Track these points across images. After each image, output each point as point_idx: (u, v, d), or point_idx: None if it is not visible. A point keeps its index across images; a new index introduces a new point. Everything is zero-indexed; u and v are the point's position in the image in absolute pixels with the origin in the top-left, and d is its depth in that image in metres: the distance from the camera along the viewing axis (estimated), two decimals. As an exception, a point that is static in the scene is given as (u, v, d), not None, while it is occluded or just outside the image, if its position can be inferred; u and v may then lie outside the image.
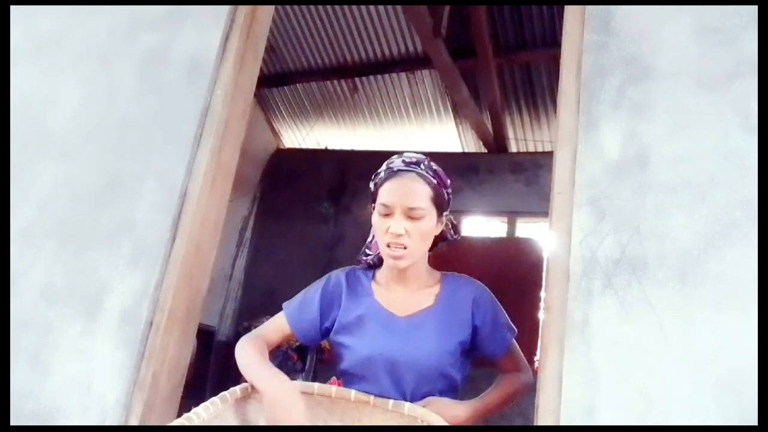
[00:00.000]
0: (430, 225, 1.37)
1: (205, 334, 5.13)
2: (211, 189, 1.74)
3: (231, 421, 1.26)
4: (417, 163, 1.39)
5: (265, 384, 1.27)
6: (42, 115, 2.01)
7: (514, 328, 1.47)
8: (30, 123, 2.01)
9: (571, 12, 1.56)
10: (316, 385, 1.33)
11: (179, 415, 1.63)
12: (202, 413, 1.18)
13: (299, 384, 1.33)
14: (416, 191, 1.35)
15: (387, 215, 1.36)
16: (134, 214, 1.74)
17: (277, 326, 1.47)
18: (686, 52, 1.40)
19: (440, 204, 1.39)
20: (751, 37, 1.36)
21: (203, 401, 1.21)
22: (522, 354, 1.49)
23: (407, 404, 1.28)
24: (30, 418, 1.60)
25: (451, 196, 1.45)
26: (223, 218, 1.81)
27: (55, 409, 1.60)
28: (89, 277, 1.71)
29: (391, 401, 1.29)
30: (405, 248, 1.34)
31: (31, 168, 1.93)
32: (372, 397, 1.31)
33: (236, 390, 1.29)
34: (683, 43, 1.41)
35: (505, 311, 1.47)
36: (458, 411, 1.32)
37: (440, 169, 1.43)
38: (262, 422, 1.30)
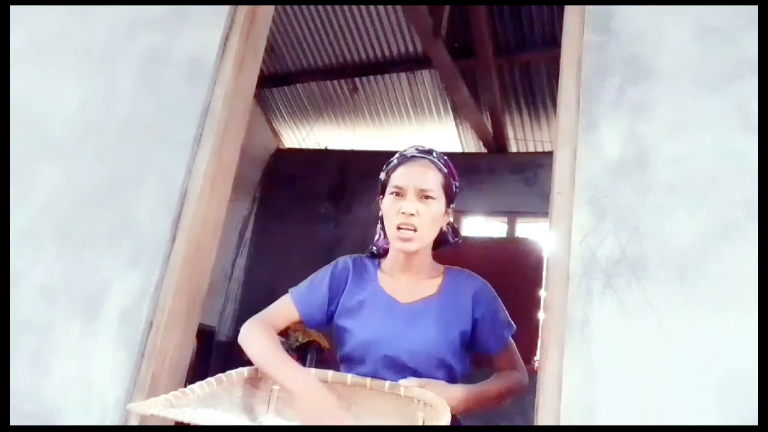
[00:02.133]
0: (440, 211, 1.42)
1: (205, 334, 5.13)
2: (211, 189, 1.74)
3: (226, 402, 1.27)
4: (429, 152, 1.46)
5: (291, 380, 1.27)
6: (42, 116, 2.01)
7: (514, 325, 1.48)
8: (30, 123, 2.01)
9: (571, 12, 1.56)
10: (313, 371, 1.35)
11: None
12: (197, 390, 1.20)
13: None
14: (428, 175, 1.41)
15: (399, 196, 1.40)
16: (134, 214, 1.74)
17: (283, 310, 1.47)
18: (686, 52, 1.40)
19: (449, 193, 1.44)
20: (751, 37, 1.36)
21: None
22: (518, 354, 1.49)
23: (402, 386, 1.29)
24: (30, 418, 1.60)
25: (458, 190, 1.49)
26: (223, 218, 1.81)
27: (55, 409, 1.60)
28: (89, 277, 1.71)
29: (388, 383, 1.30)
30: (415, 230, 1.38)
31: (32, 168, 1.93)
32: (369, 380, 1.32)
33: (232, 374, 1.31)
34: (683, 43, 1.41)
35: (505, 308, 1.48)
36: (455, 392, 1.30)
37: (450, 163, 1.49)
38: (258, 408, 1.32)
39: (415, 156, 1.44)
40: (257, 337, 1.37)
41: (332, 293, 1.47)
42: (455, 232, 1.55)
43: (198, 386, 1.21)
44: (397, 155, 1.48)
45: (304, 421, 1.22)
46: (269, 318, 1.44)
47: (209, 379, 1.26)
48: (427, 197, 1.38)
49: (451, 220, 1.52)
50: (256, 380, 1.35)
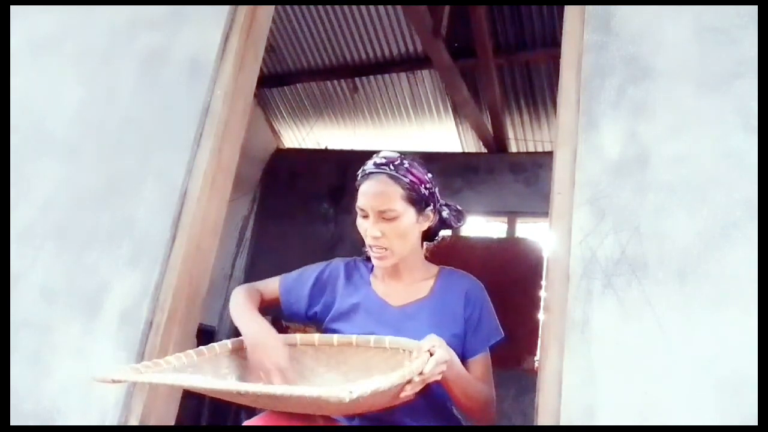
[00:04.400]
0: (407, 223, 1.37)
1: (205, 334, 5.12)
2: (211, 189, 1.74)
3: (208, 373, 1.27)
4: (387, 164, 1.38)
5: (249, 328, 1.33)
6: (42, 116, 2.00)
7: (501, 332, 1.44)
8: (30, 123, 2.00)
9: (571, 12, 1.56)
10: (299, 336, 1.37)
11: (179, 415, 1.64)
12: (173, 361, 1.19)
13: (283, 336, 1.36)
14: (385, 193, 1.36)
15: (364, 217, 1.39)
16: (134, 214, 1.74)
17: (270, 287, 1.51)
18: (686, 52, 1.40)
19: (417, 201, 1.38)
20: (751, 37, 1.36)
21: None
22: (491, 370, 1.42)
23: (388, 338, 1.29)
24: (30, 418, 1.60)
25: (432, 190, 1.43)
26: (223, 218, 1.81)
27: (55, 410, 1.60)
28: (89, 277, 1.71)
29: (373, 337, 1.31)
30: (386, 249, 1.37)
31: (32, 168, 1.93)
32: (354, 338, 1.34)
33: (214, 346, 1.31)
34: (683, 43, 1.41)
35: (495, 315, 1.45)
36: (456, 359, 1.26)
37: (416, 165, 1.41)
38: (249, 380, 1.31)
39: (372, 172, 1.39)
40: (237, 296, 1.43)
41: (314, 293, 1.48)
42: (458, 215, 1.52)
43: (174, 358, 1.21)
44: (361, 169, 1.43)
45: (250, 363, 1.28)
46: (257, 285, 1.50)
47: (188, 351, 1.25)
48: (388, 218, 1.35)
49: (443, 214, 1.48)
50: (242, 351, 1.36)
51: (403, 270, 1.45)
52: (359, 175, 1.43)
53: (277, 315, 1.54)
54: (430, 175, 1.43)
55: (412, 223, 1.39)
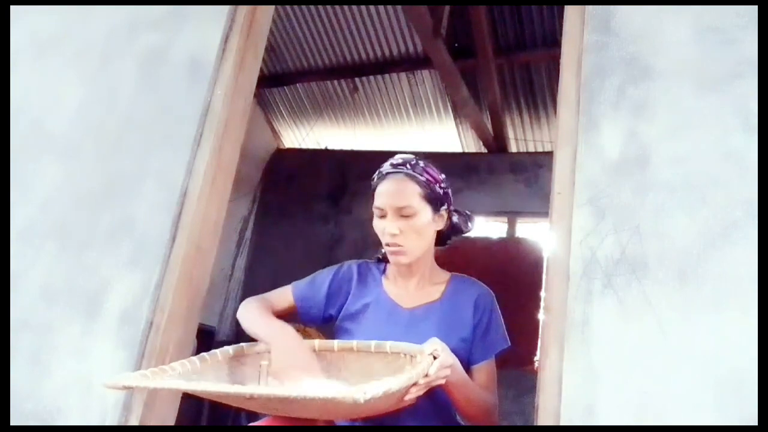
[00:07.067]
0: (425, 221, 1.41)
1: (205, 334, 5.12)
2: (211, 189, 1.74)
3: (212, 379, 1.27)
4: (403, 164, 1.43)
5: (273, 335, 1.32)
6: (42, 115, 2.00)
7: (508, 341, 1.44)
8: (30, 123, 2.01)
9: (571, 12, 1.56)
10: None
11: (178, 414, 1.64)
12: (178, 367, 1.20)
13: None
14: (404, 191, 1.39)
15: (382, 217, 1.41)
16: (134, 214, 1.74)
17: (281, 296, 1.50)
18: (686, 52, 1.40)
19: (433, 199, 1.42)
20: (751, 37, 1.36)
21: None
22: (495, 379, 1.42)
23: (389, 343, 1.29)
24: (30, 418, 1.60)
25: (446, 190, 1.47)
26: (223, 218, 1.81)
27: (55, 409, 1.60)
28: (89, 277, 1.71)
29: (373, 342, 1.31)
30: (402, 246, 1.39)
31: (32, 168, 1.93)
32: (355, 343, 1.34)
33: (216, 352, 1.31)
34: (683, 43, 1.41)
35: (503, 324, 1.45)
36: (450, 358, 1.24)
37: (431, 166, 1.46)
38: (248, 384, 1.32)
39: (390, 172, 1.43)
40: (249, 307, 1.42)
41: (331, 295, 1.49)
42: (468, 219, 1.54)
43: (179, 364, 1.22)
44: (377, 172, 1.47)
45: (276, 369, 1.26)
46: (266, 296, 1.49)
47: (191, 357, 1.26)
48: (406, 215, 1.38)
49: (454, 219, 1.51)
50: (243, 357, 1.37)
51: (416, 271, 1.46)
52: (375, 178, 1.46)
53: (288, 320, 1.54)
54: (443, 176, 1.48)
55: (428, 221, 1.42)
